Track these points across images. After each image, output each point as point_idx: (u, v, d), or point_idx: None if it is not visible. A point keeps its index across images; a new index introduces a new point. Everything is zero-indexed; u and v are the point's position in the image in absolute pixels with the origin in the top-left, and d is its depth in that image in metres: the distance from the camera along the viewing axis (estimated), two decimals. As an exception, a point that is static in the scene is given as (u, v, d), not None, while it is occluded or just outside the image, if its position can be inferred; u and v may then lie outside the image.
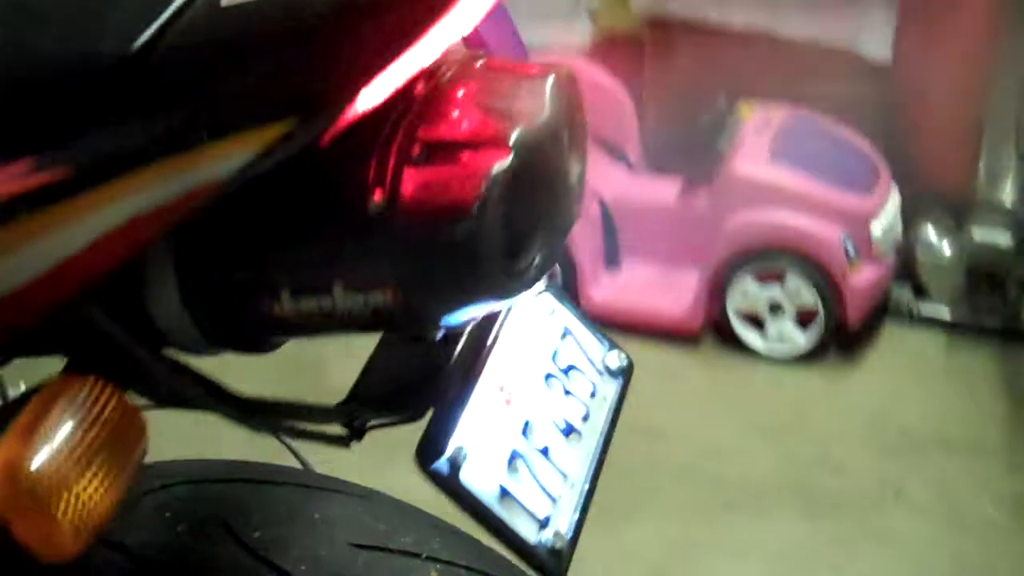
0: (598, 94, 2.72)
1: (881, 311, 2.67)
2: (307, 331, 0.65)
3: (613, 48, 2.92)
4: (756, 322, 2.62)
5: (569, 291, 1.06)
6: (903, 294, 2.66)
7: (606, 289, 2.70)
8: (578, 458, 0.76)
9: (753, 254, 2.57)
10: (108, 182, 0.55)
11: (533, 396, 0.75)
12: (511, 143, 0.58)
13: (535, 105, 0.61)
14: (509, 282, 0.61)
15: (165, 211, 0.56)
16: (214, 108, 0.55)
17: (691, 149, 2.72)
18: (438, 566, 0.78)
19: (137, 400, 0.66)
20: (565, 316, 0.81)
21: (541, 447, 0.74)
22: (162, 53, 0.54)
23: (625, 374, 0.83)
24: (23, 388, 0.67)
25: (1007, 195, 2.52)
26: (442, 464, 0.67)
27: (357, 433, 0.71)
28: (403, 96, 0.60)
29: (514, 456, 0.72)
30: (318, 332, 0.65)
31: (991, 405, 2.45)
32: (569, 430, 0.77)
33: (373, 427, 0.73)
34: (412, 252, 0.59)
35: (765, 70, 2.90)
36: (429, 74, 0.62)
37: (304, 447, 0.78)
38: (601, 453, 0.78)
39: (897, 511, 2.20)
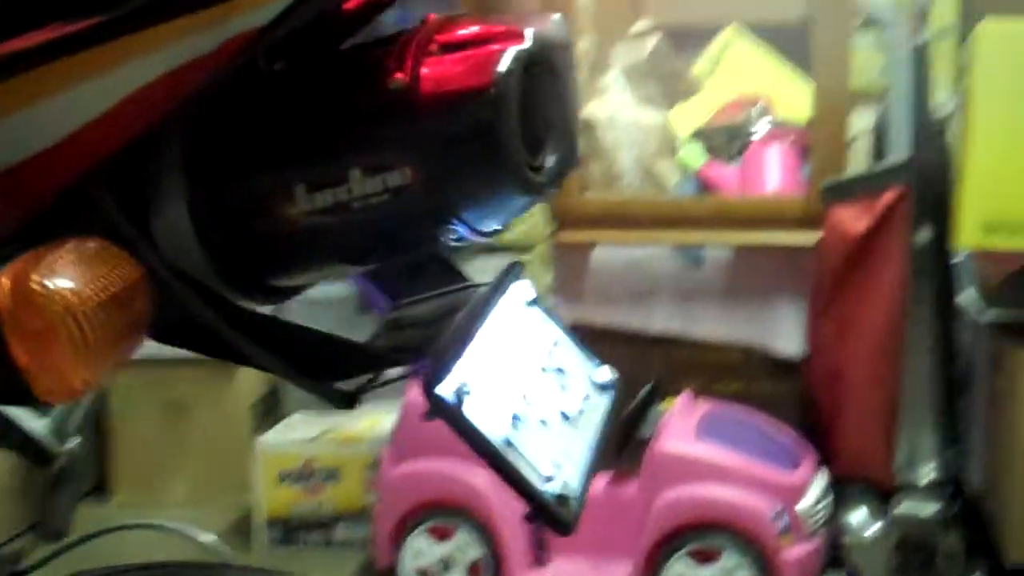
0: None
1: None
2: (318, 246, 0.65)
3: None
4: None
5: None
6: (836, 582, 2.63)
7: (534, 587, 2.62)
8: (576, 440, 0.74)
9: (686, 533, 2.54)
10: (150, 27, 0.57)
11: (530, 376, 0.75)
12: (526, 35, 0.63)
13: (542, 22, 0.66)
14: (526, 173, 0.63)
15: (199, 64, 0.57)
16: None
17: (615, 441, 2.75)
18: None
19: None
20: (554, 330, 0.82)
21: (541, 419, 0.72)
22: None
23: (614, 389, 0.82)
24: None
25: (928, 471, 2.56)
26: (448, 393, 0.66)
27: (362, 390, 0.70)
28: (420, 23, 0.65)
29: (516, 418, 0.70)
30: (329, 246, 0.65)
31: None
32: (566, 417, 0.75)
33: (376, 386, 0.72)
34: (432, 128, 0.61)
35: (683, 371, 3.01)
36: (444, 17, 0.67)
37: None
38: (599, 453, 0.76)
39: None
